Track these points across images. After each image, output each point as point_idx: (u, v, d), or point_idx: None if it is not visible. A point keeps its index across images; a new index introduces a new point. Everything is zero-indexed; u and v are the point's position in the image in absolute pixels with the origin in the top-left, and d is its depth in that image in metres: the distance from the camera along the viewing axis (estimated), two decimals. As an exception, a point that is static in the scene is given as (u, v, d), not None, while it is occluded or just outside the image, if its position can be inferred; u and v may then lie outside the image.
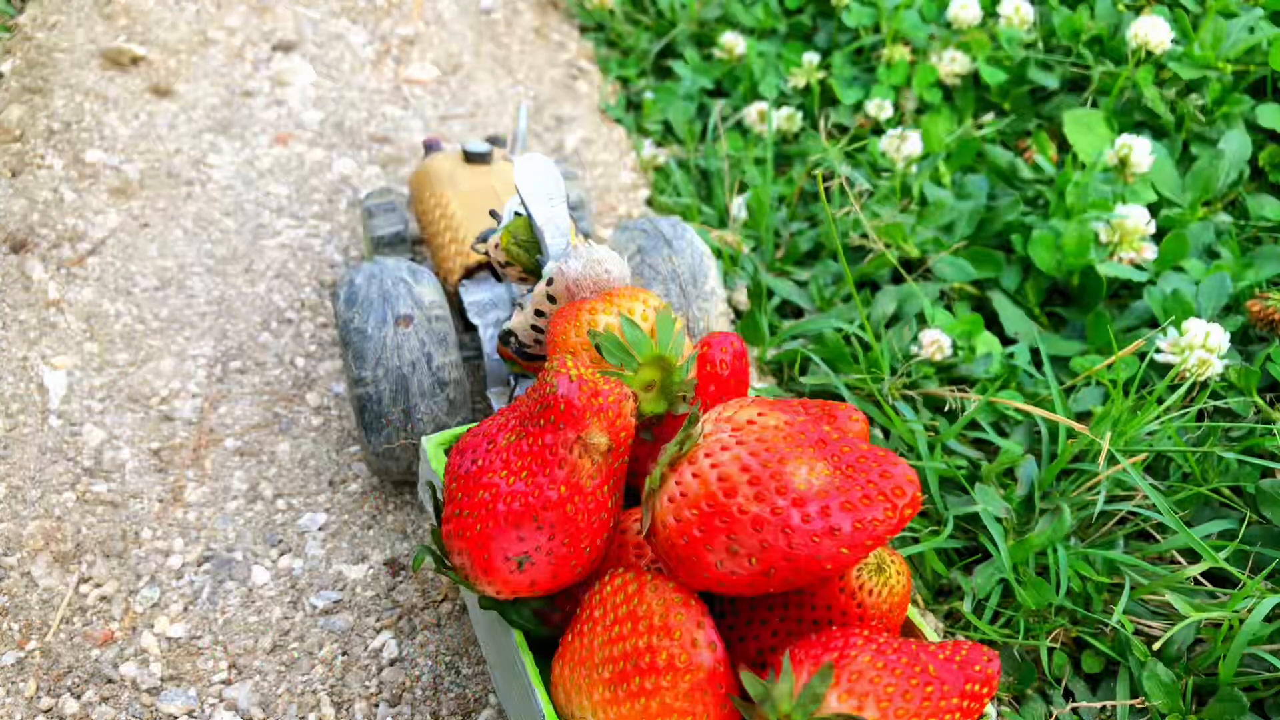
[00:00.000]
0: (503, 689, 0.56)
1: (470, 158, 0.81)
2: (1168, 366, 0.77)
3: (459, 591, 0.67)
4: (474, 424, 0.53)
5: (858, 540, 0.42)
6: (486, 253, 0.62)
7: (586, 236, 0.81)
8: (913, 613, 0.51)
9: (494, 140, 0.88)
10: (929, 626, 0.67)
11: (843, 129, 1.13)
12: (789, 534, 0.41)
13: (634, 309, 0.52)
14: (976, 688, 0.43)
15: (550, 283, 0.56)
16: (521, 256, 0.59)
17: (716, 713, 0.42)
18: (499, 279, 0.66)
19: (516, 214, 0.60)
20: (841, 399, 0.82)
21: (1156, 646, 0.63)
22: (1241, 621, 0.60)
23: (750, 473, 0.42)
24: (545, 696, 0.46)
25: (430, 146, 0.86)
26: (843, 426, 0.47)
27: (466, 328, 0.74)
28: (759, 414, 0.44)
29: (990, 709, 0.47)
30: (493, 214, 0.63)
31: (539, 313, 0.57)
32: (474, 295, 0.70)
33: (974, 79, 1.11)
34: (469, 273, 0.72)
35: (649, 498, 0.45)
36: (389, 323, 0.65)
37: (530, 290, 0.58)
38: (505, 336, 0.60)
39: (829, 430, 0.45)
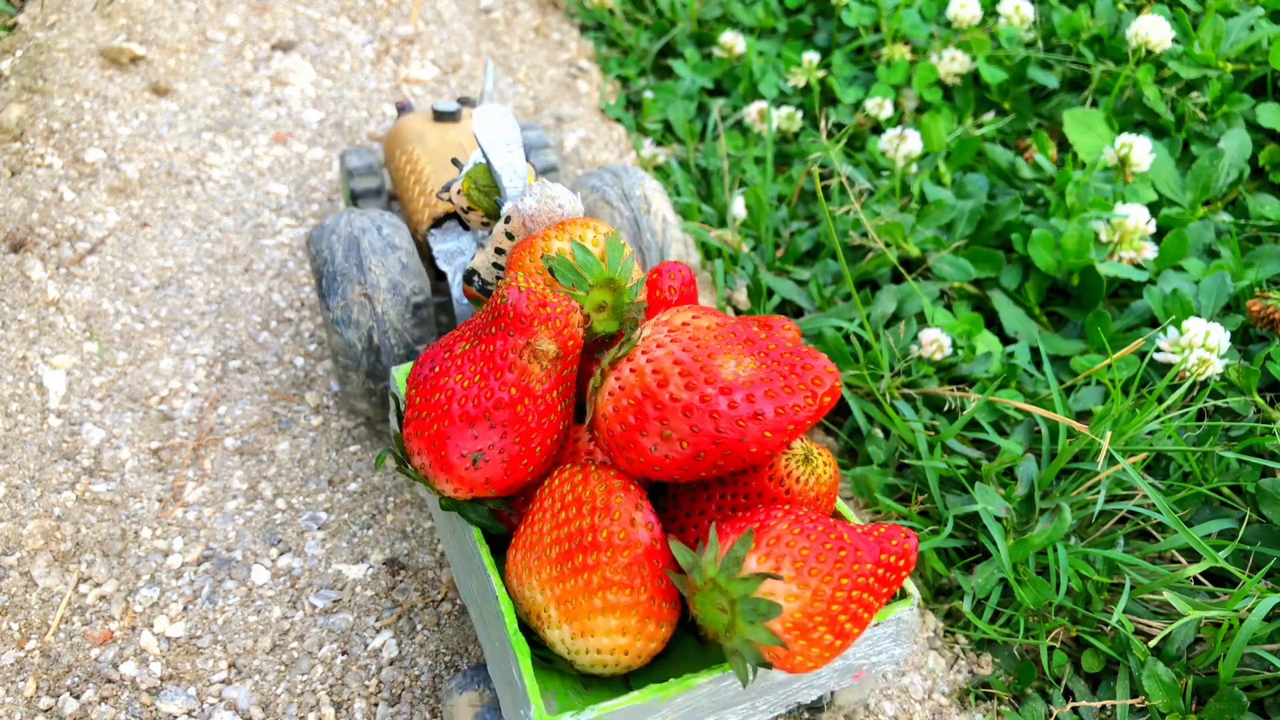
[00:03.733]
0: (464, 586, 0.58)
1: (439, 116, 0.84)
2: (1168, 366, 0.77)
3: (458, 591, 0.67)
4: None
5: (780, 425, 0.45)
6: (451, 200, 0.65)
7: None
8: (842, 506, 0.54)
9: (464, 101, 0.91)
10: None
11: (843, 128, 1.13)
12: (716, 419, 0.45)
13: (585, 235, 0.55)
14: (892, 559, 0.45)
15: (508, 220, 0.59)
16: (482, 201, 0.63)
17: (653, 586, 0.46)
18: (466, 228, 0.70)
19: (477, 163, 0.63)
20: (841, 398, 0.82)
21: (1154, 644, 0.63)
22: (1241, 621, 0.60)
23: (682, 365, 0.46)
24: (499, 581, 0.49)
25: (402, 108, 0.89)
26: (775, 333, 0.49)
27: (438, 276, 0.77)
28: (693, 317, 0.48)
29: (913, 589, 0.51)
30: (455, 163, 0.66)
31: (499, 250, 0.60)
32: (442, 244, 0.73)
33: (974, 78, 1.11)
34: (437, 223, 0.75)
35: (592, 395, 0.48)
36: (344, 213, 0.73)
37: (492, 231, 0.61)
38: (469, 276, 0.63)
39: (758, 331, 0.48)
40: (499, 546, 0.53)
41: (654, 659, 0.49)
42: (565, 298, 0.49)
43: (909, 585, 0.51)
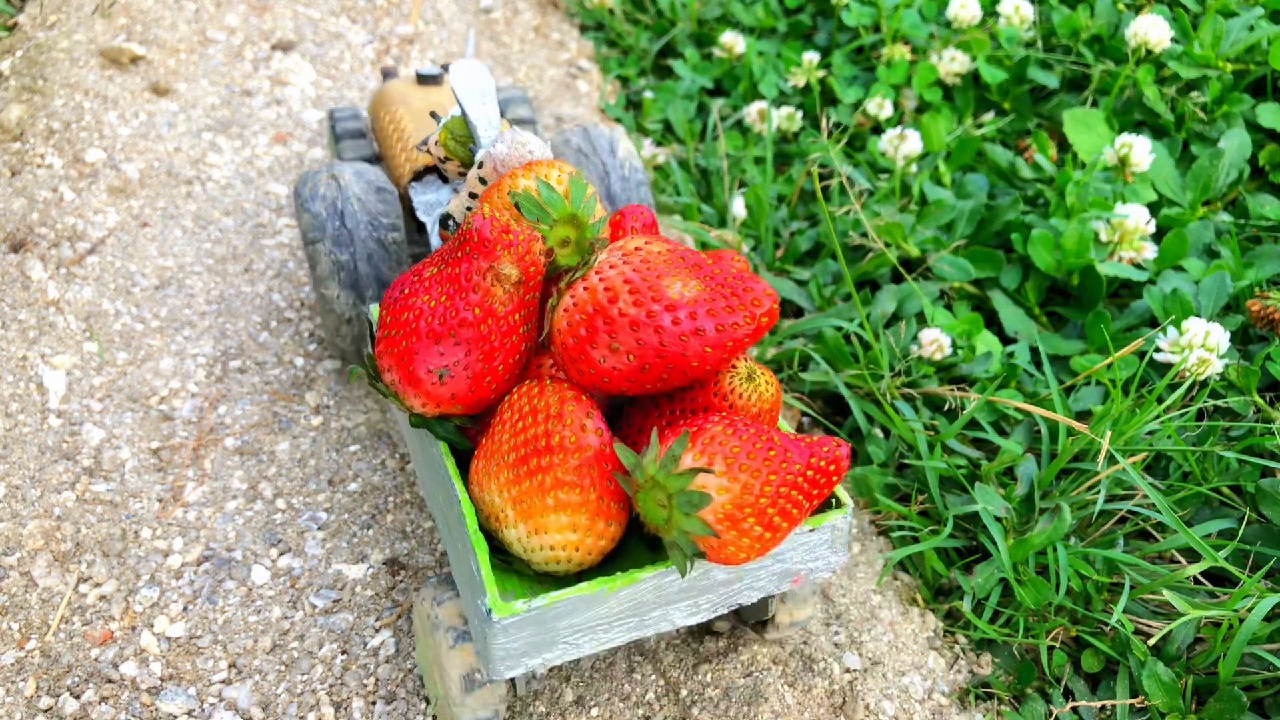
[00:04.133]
0: (431, 500, 0.62)
1: (422, 80, 0.87)
2: (1167, 366, 0.77)
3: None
4: None
5: (720, 341, 0.49)
6: (430, 151, 0.68)
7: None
8: (784, 425, 0.57)
9: (446, 67, 0.94)
10: (924, 627, 0.67)
11: (843, 128, 1.13)
12: (660, 333, 0.49)
13: (550, 175, 0.58)
14: (822, 463, 0.49)
15: (481, 166, 0.62)
16: (459, 150, 0.66)
17: (602, 486, 0.50)
18: (445, 180, 0.74)
19: (454, 115, 0.67)
20: (841, 398, 0.82)
21: (1152, 642, 0.63)
22: (1241, 620, 0.60)
23: (631, 284, 0.49)
24: (462, 487, 0.53)
25: (388, 74, 0.92)
26: (723, 261, 0.52)
27: (419, 229, 0.80)
28: (646, 243, 0.52)
29: (847, 499, 0.55)
30: (434, 116, 0.69)
31: (473, 195, 0.63)
32: (422, 196, 0.76)
33: (974, 78, 1.11)
34: (418, 176, 0.78)
35: (549, 312, 0.52)
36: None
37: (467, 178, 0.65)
38: (444, 220, 0.66)
39: (706, 259, 0.52)
40: (464, 462, 0.56)
41: (607, 564, 0.52)
42: (528, 227, 0.53)
43: (844, 496, 0.55)
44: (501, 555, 0.52)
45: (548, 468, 0.49)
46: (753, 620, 0.65)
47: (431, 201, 0.75)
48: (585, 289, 0.50)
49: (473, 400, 0.53)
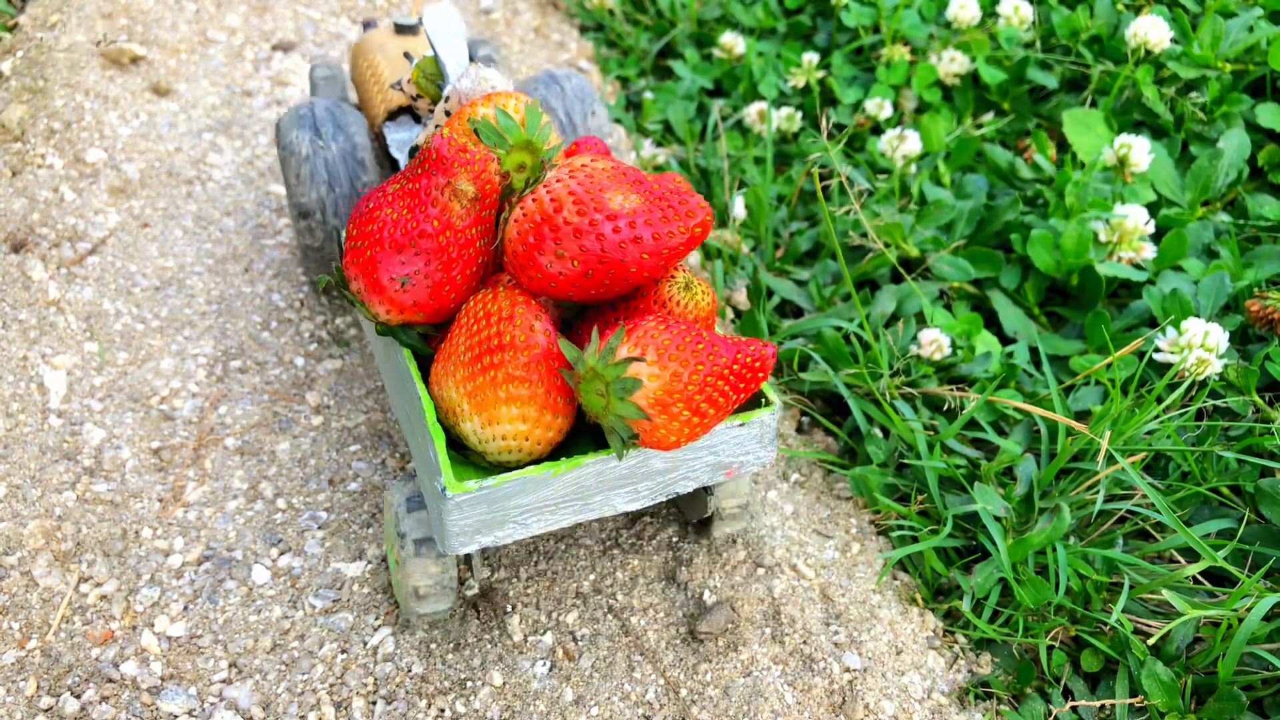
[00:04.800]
0: (396, 405, 0.66)
1: (400, 30, 0.91)
2: (1167, 366, 0.77)
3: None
4: None
5: (656, 249, 0.54)
6: (403, 89, 0.73)
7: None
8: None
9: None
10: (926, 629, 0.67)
11: (842, 129, 1.13)
12: (602, 240, 0.53)
13: (508, 104, 0.62)
14: (749, 360, 0.54)
15: (447, 100, 0.66)
16: (429, 88, 0.71)
17: (549, 381, 0.54)
18: (418, 120, 0.79)
19: (426, 55, 0.72)
20: (841, 398, 0.82)
21: (1152, 641, 0.63)
22: (1240, 620, 0.60)
23: (575, 196, 0.54)
24: (422, 386, 0.58)
25: (368, 25, 0.96)
26: (664, 180, 0.57)
27: (393, 167, 0.82)
28: (592, 160, 0.56)
29: (775, 399, 0.60)
30: (407, 56, 0.74)
31: (439, 127, 0.66)
32: (395, 134, 0.79)
33: (973, 79, 1.11)
34: (391, 116, 0.81)
35: (502, 224, 0.57)
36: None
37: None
38: (414, 153, 0.71)
39: (648, 176, 0.56)
40: (425, 368, 0.60)
41: (556, 458, 0.57)
42: (484, 148, 0.57)
43: (772, 395, 0.60)
44: (460, 451, 0.57)
45: (499, 364, 0.54)
46: (695, 519, 0.70)
47: (404, 140, 0.79)
48: (533, 200, 0.55)
49: (433, 308, 0.58)
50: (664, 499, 0.61)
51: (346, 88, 0.93)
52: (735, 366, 0.53)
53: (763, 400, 0.60)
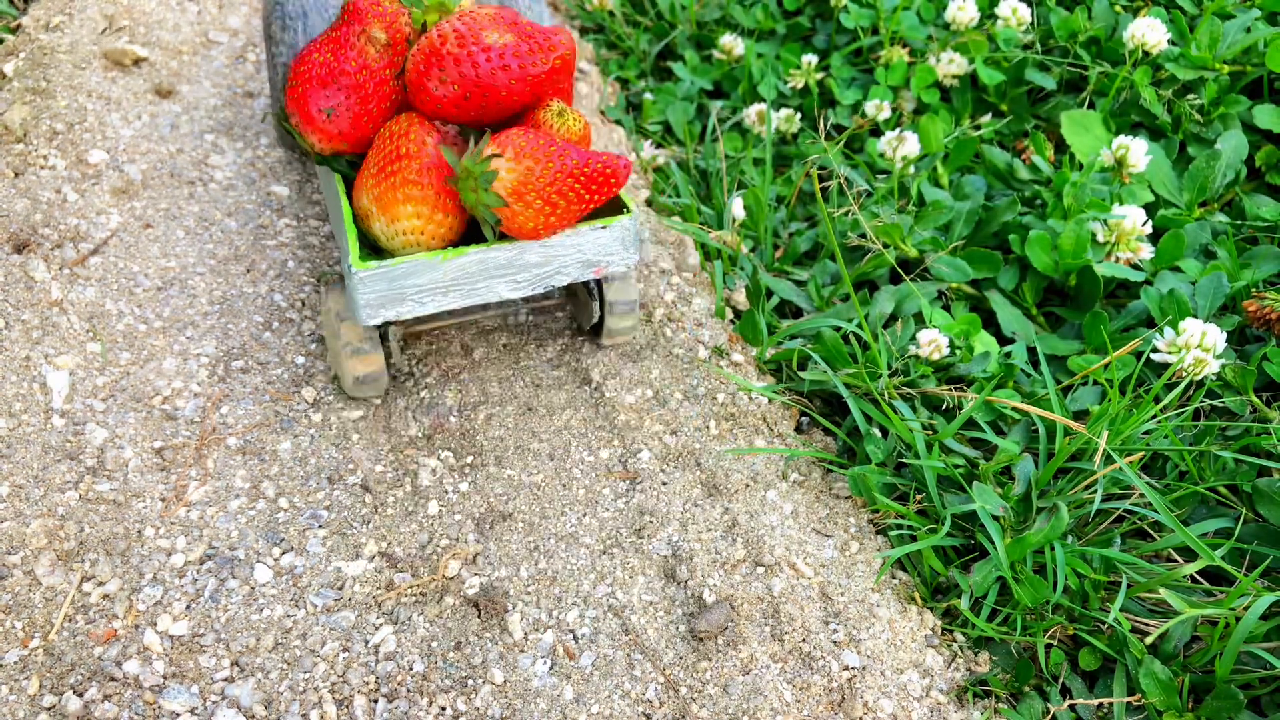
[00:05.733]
0: (333, 220, 0.78)
1: None
2: (1164, 366, 0.77)
3: (451, 586, 0.68)
4: None
5: (522, 76, 0.67)
6: None
7: None
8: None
9: None
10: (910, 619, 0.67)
11: (841, 130, 1.13)
12: (476, 68, 0.66)
13: None
14: (599, 167, 0.66)
15: None
16: None
17: (439, 185, 0.67)
18: None
19: None
20: (840, 397, 0.82)
21: (1150, 640, 0.63)
22: (1238, 619, 0.61)
23: (458, 32, 0.67)
24: (345, 198, 0.71)
25: None
26: (538, 26, 0.69)
27: None
28: (479, 7, 0.68)
29: (634, 208, 0.73)
30: None
31: None
32: None
33: (972, 80, 1.11)
34: None
35: (406, 61, 0.69)
36: None
37: None
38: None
39: (524, 22, 0.68)
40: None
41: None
42: (397, 4, 0.70)
43: (631, 204, 0.73)
44: (377, 253, 0.71)
45: (398, 171, 0.67)
46: (588, 326, 0.83)
47: None
48: (425, 38, 0.68)
49: (355, 137, 0.71)
50: (542, 290, 0.73)
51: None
52: (585, 169, 0.66)
53: (623, 209, 0.73)
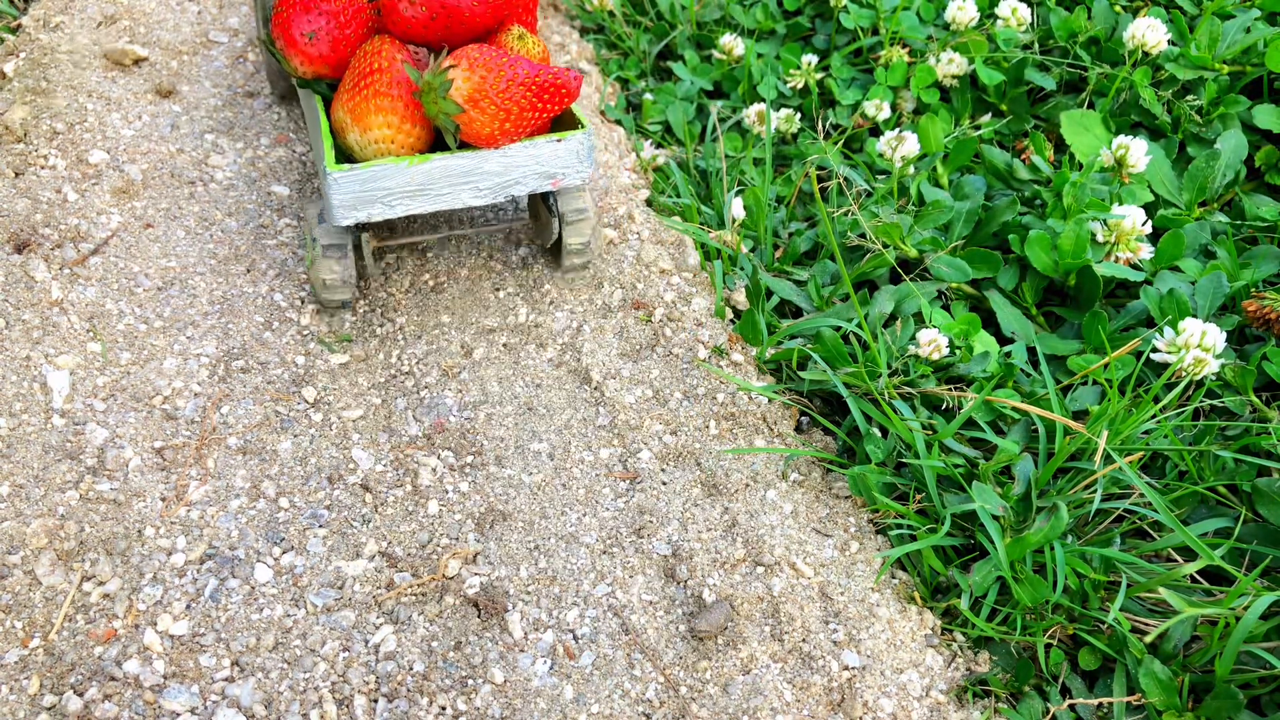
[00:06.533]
0: (313, 140, 0.83)
1: None
2: (1164, 366, 0.77)
3: (451, 586, 0.68)
4: None
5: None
6: None
7: None
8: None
9: None
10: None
11: (841, 130, 1.13)
12: None
13: None
14: (551, 79, 0.73)
15: None
16: None
17: (407, 98, 0.74)
18: None
19: None
20: (839, 397, 0.83)
21: (1149, 640, 0.63)
22: (1237, 619, 0.61)
23: None
24: (324, 113, 0.79)
25: None
26: None
27: None
28: None
29: (589, 124, 0.79)
30: None
31: None
32: None
33: (971, 80, 1.11)
34: None
35: None
36: None
37: None
38: None
39: None
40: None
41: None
42: None
43: (585, 120, 0.79)
44: (349, 161, 0.77)
45: (370, 84, 0.74)
46: (548, 246, 0.89)
47: None
48: None
49: (335, 60, 0.79)
50: (503, 198, 0.79)
51: None
52: (537, 80, 0.72)
53: (579, 125, 0.79)
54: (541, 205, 0.87)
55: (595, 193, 1.02)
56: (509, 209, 0.97)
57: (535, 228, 0.92)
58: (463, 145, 0.76)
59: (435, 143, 0.79)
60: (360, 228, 0.83)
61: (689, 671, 0.64)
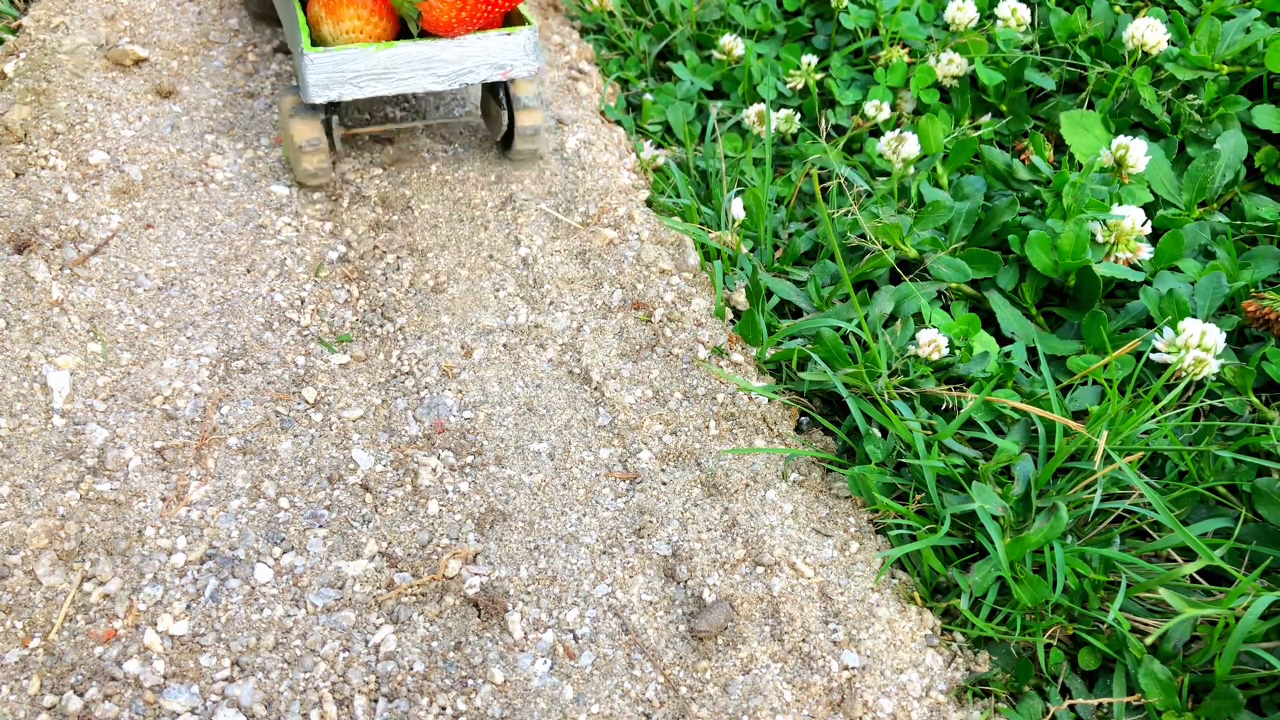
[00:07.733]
0: (289, 35, 0.92)
1: None
2: (1164, 366, 0.77)
3: (452, 586, 0.68)
4: None
5: None
6: None
7: None
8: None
9: None
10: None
11: (841, 130, 1.13)
12: None
13: None
14: None
15: None
16: None
17: None
18: None
19: None
20: (839, 397, 0.83)
21: (1149, 640, 0.63)
22: (1237, 619, 0.61)
23: None
24: (300, 10, 0.89)
25: None
26: None
27: None
28: None
29: (534, 21, 0.91)
30: None
31: None
32: None
33: (971, 80, 1.11)
34: None
35: None
36: None
37: None
38: None
39: None
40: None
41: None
42: None
43: (532, 20, 0.91)
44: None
45: None
46: (499, 138, 1.01)
47: None
48: None
49: None
50: (459, 85, 0.90)
51: None
52: None
53: (526, 23, 0.90)
54: (493, 100, 0.99)
55: (594, 192, 1.02)
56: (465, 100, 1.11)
57: (488, 123, 1.04)
58: (424, 35, 0.86)
59: (400, 36, 0.89)
60: (330, 110, 0.92)
61: (689, 671, 0.64)
